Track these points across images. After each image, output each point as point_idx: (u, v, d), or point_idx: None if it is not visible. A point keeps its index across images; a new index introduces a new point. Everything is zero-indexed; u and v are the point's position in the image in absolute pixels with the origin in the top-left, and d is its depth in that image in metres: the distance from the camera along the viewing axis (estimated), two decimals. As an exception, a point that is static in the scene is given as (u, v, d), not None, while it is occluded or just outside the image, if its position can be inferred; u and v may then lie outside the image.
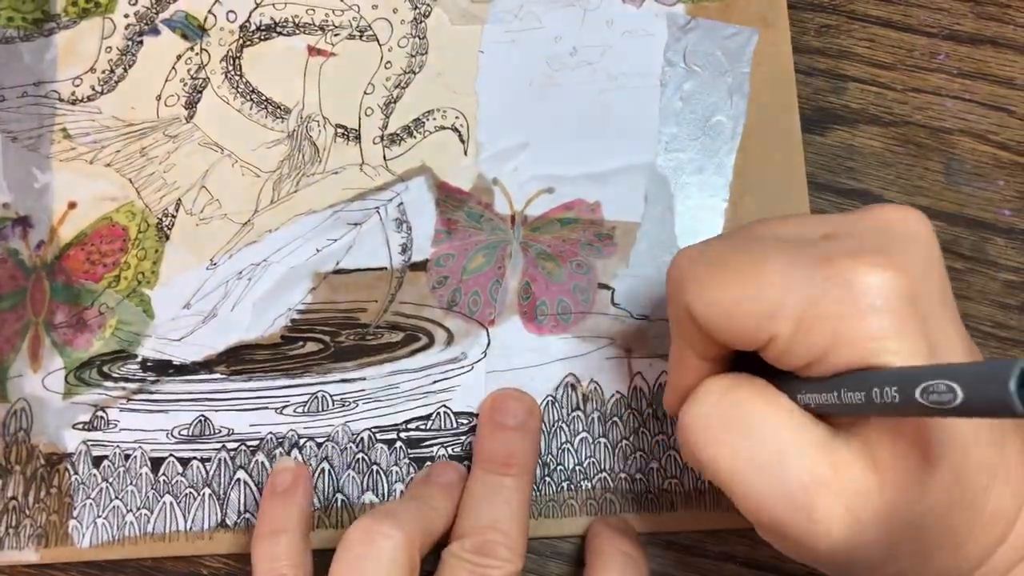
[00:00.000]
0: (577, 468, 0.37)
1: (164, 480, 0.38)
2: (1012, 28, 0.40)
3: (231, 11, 0.41)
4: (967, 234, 0.39)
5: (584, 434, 0.37)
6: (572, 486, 0.37)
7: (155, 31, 0.41)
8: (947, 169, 0.39)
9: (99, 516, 0.38)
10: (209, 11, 0.41)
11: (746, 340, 0.27)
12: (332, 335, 0.39)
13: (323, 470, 0.37)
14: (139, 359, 0.39)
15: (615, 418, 0.37)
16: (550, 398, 0.38)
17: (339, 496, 0.37)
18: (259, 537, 0.33)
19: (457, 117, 0.40)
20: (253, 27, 0.41)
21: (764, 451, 0.26)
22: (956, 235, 0.39)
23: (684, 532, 0.37)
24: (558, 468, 0.37)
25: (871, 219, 0.28)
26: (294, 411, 0.38)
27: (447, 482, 0.35)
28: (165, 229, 0.40)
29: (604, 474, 0.37)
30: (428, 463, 0.37)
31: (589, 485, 0.37)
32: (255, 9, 0.41)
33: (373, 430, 0.38)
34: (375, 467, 0.37)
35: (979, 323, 0.38)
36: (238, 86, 0.41)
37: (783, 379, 0.27)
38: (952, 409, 0.21)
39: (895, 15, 0.41)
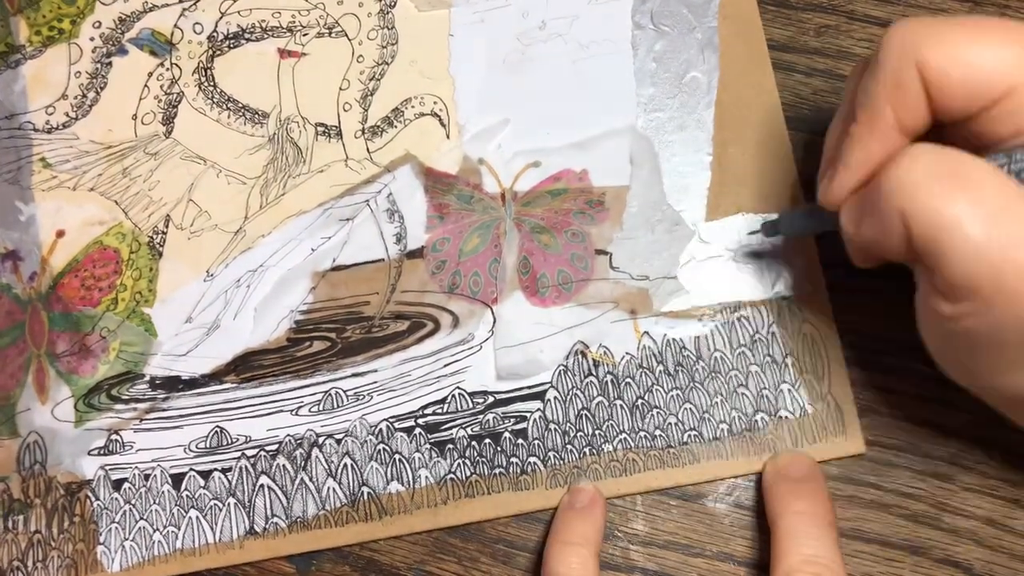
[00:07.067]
0: (596, 432, 0.37)
1: (187, 495, 0.38)
2: None
3: (197, 23, 0.41)
4: None
5: (600, 398, 0.38)
6: (594, 451, 0.37)
7: (123, 51, 0.41)
8: None
9: (126, 539, 0.37)
10: (175, 25, 0.41)
11: (979, 94, 0.28)
12: (338, 331, 0.39)
13: (345, 466, 0.37)
14: (147, 378, 0.39)
15: (628, 379, 0.38)
16: (562, 367, 0.38)
17: (365, 489, 0.37)
18: (557, 543, 0.35)
19: (435, 102, 0.40)
20: (221, 36, 0.41)
21: (990, 202, 0.26)
22: None
23: (684, 531, 0.37)
24: (578, 435, 0.37)
25: None
26: (309, 411, 0.38)
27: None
28: (157, 246, 0.40)
29: (624, 435, 0.37)
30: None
31: (610, 448, 0.37)
32: (221, 18, 0.41)
33: (391, 420, 0.38)
34: (397, 456, 0.37)
35: None
36: (213, 96, 0.41)
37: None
38: None
39: (894, 15, 0.41)
